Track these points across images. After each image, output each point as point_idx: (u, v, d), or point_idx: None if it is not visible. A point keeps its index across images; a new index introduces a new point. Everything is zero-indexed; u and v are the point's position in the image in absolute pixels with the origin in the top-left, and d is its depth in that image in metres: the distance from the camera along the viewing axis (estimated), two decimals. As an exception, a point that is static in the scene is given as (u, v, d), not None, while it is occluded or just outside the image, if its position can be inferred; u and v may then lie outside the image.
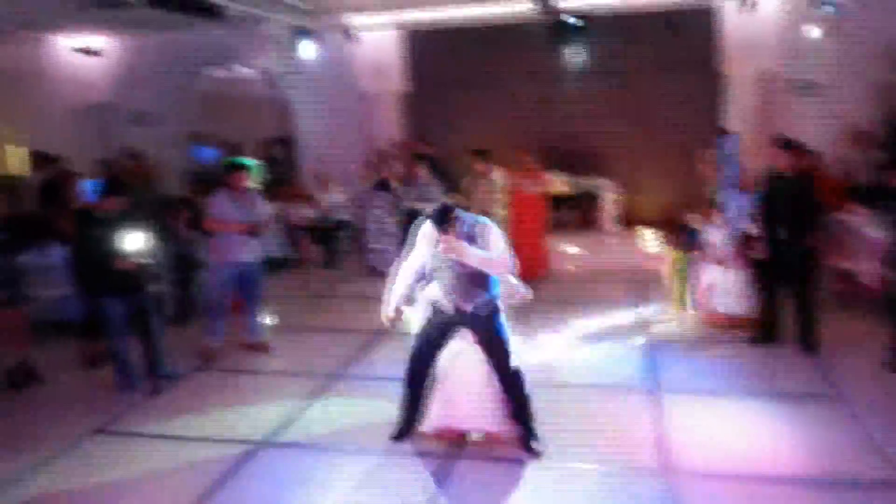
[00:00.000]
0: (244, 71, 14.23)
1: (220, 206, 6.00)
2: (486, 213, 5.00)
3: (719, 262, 6.34)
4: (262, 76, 12.29)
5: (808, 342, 5.76)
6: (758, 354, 5.84)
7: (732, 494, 3.83)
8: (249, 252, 6.10)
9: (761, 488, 3.86)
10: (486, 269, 4.11)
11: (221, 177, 6.32)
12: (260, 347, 6.35)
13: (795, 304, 5.84)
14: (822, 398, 4.98)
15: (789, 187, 5.72)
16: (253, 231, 6.02)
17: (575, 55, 9.77)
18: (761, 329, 6.04)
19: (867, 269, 6.61)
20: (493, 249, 4.07)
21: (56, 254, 6.52)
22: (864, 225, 6.62)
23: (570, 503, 3.81)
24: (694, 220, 6.96)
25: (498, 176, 8.54)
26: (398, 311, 4.44)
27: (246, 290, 6.22)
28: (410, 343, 4.44)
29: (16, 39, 11.18)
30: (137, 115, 11.90)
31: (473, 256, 3.99)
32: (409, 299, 4.50)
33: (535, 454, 4.23)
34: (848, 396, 4.96)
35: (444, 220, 3.96)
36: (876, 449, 4.22)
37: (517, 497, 3.89)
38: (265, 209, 6.31)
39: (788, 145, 5.80)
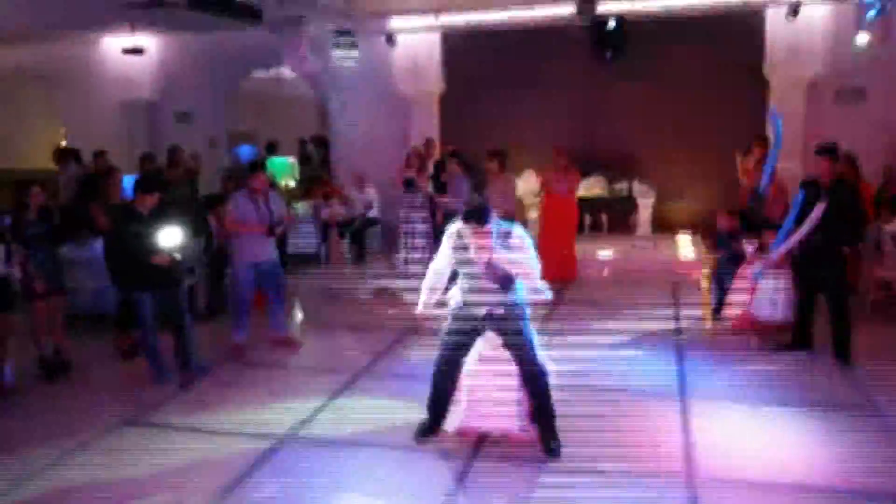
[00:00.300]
0: (284, 72, 14.49)
1: (239, 206, 6.11)
2: (504, 215, 4.99)
3: (770, 267, 6.17)
4: (302, 77, 12.44)
5: (841, 351, 5.62)
6: (790, 362, 5.72)
7: (756, 501, 3.75)
8: (268, 251, 6.21)
9: (789, 498, 3.78)
10: (513, 272, 4.11)
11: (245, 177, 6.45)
12: (287, 342, 6.43)
13: (830, 312, 5.71)
14: (856, 408, 4.86)
15: (825, 194, 5.59)
16: (271, 232, 6.14)
17: (614, 58, 9.71)
18: (795, 335, 5.94)
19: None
20: (522, 254, 4.07)
21: (94, 247, 6.70)
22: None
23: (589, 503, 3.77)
24: (723, 221, 6.84)
25: (515, 177, 8.50)
26: (430, 309, 4.47)
27: (269, 287, 6.31)
28: (437, 343, 4.47)
29: (66, 39, 11.56)
30: (181, 114, 12.18)
31: (503, 259, 4.00)
32: (439, 299, 4.52)
33: (554, 454, 4.21)
34: (882, 407, 4.83)
35: (480, 218, 3.93)
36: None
37: (536, 499, 3.87)
38: (283, 209, 6.43)
39: (824, 151, 5.66)
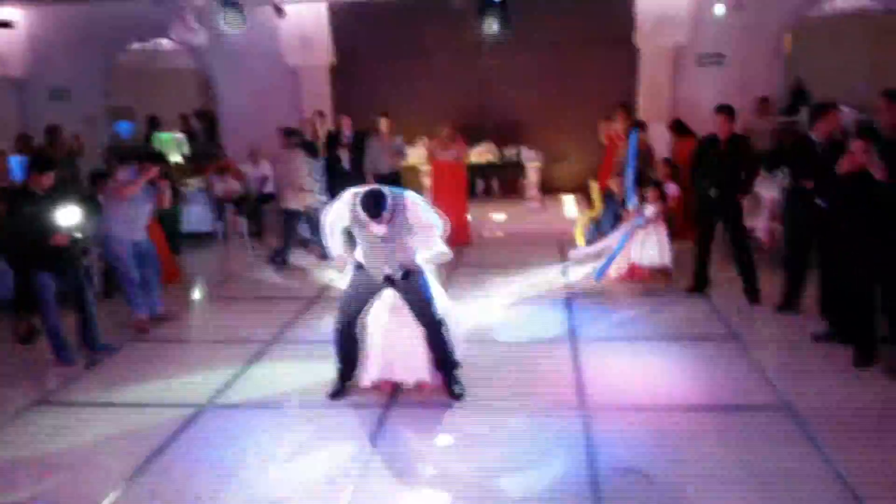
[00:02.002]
0: (164, 44, 13.97)
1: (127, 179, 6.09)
2: (378, 175, 5.21)
3: (651, 221, 6.78)
4: (184, 49, 12.08)
5: (752, 292, 6.26)
6: (664, 303, 6.38)
7: (639, 423, 4.29)
8: (143, 230, 6.25)
9: (669, 417, 4.33)
10: (414, 246, 4.41)
11: (140, 153, 6.43)
12: (165, 319, 6.46)
13: (736, 258, 6.34)
14: (720, 338, 5.55)
15: (723, 149, 6.15)
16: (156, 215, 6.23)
17: (497, 28, 10.11)
18: (695, 280, 6.57)
19: (763, 226, 7.27)
20: (427, 227, 4.37)
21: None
22: (761, 186, 7.22)
23: (497, 437, 4.18)
24: (613, 184, 7.42)
25: (401, 140, 8.92)
26: (343, 254, 4.70)
27: (147, 265, 6.32)
28: (338, 305, 4.71)
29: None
30: (55, 90, 11.58)
31: (415, 246, 4.38)
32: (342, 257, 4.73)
33: (458, 398, 4.59)
34: (743, 336, 5.55)
35: (376, 209, 4.15)
36: (764, 379, 4.79)
37: (448, 437, 4.24)
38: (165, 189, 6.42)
39: (722, 110, 6.20)
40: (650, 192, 6.81)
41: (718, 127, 6.23)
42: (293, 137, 8.38)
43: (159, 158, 6.45)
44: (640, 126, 7.87)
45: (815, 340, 5.32)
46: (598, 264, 6.98)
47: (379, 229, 4.27)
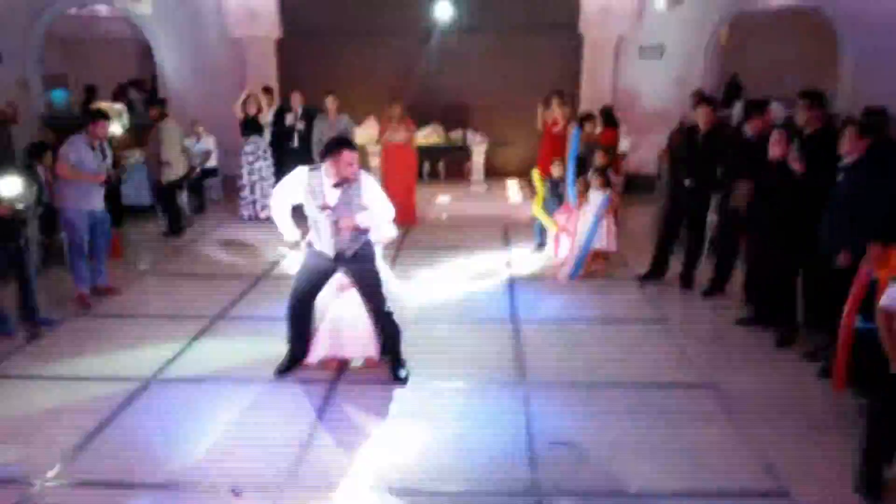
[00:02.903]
0: (101, 10, 13.52)
1: (78, 153, 6.00)
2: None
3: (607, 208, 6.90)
4: (123, 17, 11.74)
5: (687, 278, 6.50)
6: (601, 287, 6.66)
7: (573, 397, 4.55)
8: (101, 199, 6.23)
9: (603, 393, 4.60)
10: (365, 221, 4.49)
11: (80, 123, 6.31)
12: (109, 291, 6.45)
13: (687, 246, 6.52)
14: (650, 322, 5.86)
15: (699, 140, 6.20)
16: (108, 180, 6.18)
17: (447, 10, 10.22)
18: (654, 267, 6.72)
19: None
20: (372, 200, 4.46)
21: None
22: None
23: (440, 412, 4.37)
24: (555, 170, 7.63)
25: (349, 119, 8.93)
26: (296, 235, 4.74)
27: (99, 235, 6.29)
28: (291, 283, 4.79)
29: None
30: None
31: (363, 222, 4.43)
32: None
33: (402, 382, 4.71)
34: (670, 320, 5.87)
35: (344, 143, 4.38)
36: (685, 358, 5.13)
37: (393, 411, 4.40)
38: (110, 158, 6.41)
39: (704, 101, 6.26)
40: (596, 179, 6.98)
41: (703, 118, 6.19)
42: (157, 109, 8.64)
43: (103, 115, 6.30)
44: (586, 119, 8.09)
45: (739, 324, 5.67)
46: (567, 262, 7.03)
47: (332, 197, 4.35)
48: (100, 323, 5.86)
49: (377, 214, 4.53)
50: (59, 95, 13.87)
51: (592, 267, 6.99)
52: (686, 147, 6.46)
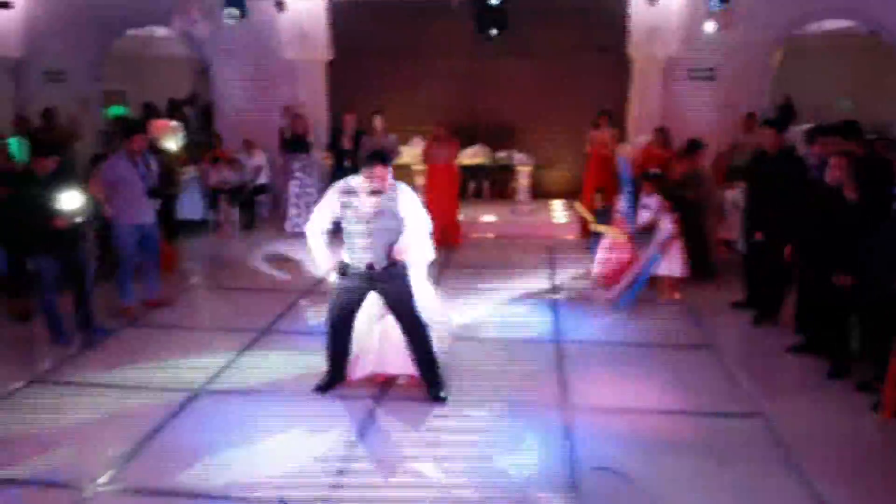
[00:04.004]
0: (158, 30, 13.97)
1: (116, 171, 6.13)
2: None
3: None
4: (181, 37, 12.11)
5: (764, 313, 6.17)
6: (650, 313, 6.56)
7: (616, 423, 4.47)
8: (151, 213, 6.33)
9: (644, 420, 4.52)
10: (404, 229, 4.53)
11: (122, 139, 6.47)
12: (161, 303, 6.58)
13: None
14: (697, 347, 5.76)
15: (771, 164, 6.00)
16: (151, 193, 6.23)
17: (495, 32, 10.27)
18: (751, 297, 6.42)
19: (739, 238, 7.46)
20: (408, 211, 4.53)
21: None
22: (739, 199, 7.42)
23: (480, 433, 4.34)
24: (597, 201, 7.57)
25: (395, 138, 9.08)
26: (334, 263, 4.72)
27: (148, 249, 6.41)
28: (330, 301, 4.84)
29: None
30: (51, 72, 11.57)
31: (408, 248, 4.50)
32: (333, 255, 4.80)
33: (440, 401, 4.70)
34: (718, 345, 5.75)
35: (384, 158, 4.43)
36: (733, 386, 5.02)
37: (433, 432, 4.39)
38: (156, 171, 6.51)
39: (770, 124, 6.15)
40: (664, 203, 6.77)
41: (768, 141, 6.09)
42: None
43: (138, 129, 6.43)
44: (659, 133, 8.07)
45: (790, 352, 5.53)
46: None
47: (368, 205, 4.41)
48: (152, 334, 6.01)
49: (413, 227, 4.55)
50: (117, 112, 14.37)
51: (676, 295, 6.80)
52: (754, 171, 6.32)
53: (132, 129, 6.39)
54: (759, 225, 6.07)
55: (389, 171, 4.44)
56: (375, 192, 4.43)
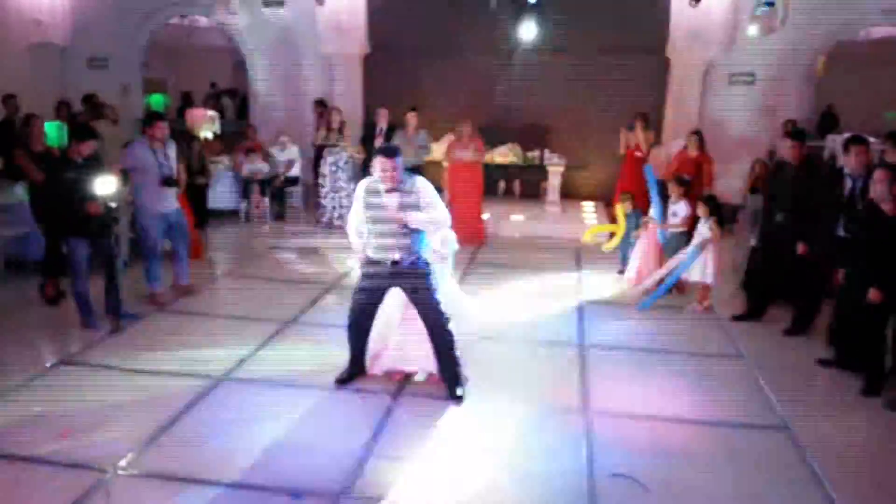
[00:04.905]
0: (198, 20, 14.18)
1: (135, 157, 6.14)
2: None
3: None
4: (220, 29, 12.28)
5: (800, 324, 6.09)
6: (677, 319, 6.46)
7: (638, 430, 4.41)
8: (172, 201, 6.34)
9: (666, 428, 4.45)
10: (427, 229, 4.53)
11: (174, 126, 6.55)
12: (189, 290, 6.65)
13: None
14: (725, 356, 5.65)
15: (795, 174, 5.93)
16: (167, 182, 6.16)
17: (530, 31, 10.21)
18: (749, 306, 6.43)
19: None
20: (432, 207, 4.51)
21: (16, 192, 6.65)
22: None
23: (497, 435, 4.30)
24: (626, 206, 7.47)
25: (426, 135, 9.12)
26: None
27: (175, 236, 6.47)
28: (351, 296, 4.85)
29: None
30: (94, 59, 11.81)
31: (417, 220, 4.44)
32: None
33: (458, 401, 4.66)
34: (747, 356, 5.64)
35: (389, 152, 4.41)
36: (760, 397, 4.91)
37: (450, 431, 4.37)
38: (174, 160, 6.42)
39: (795, 135, 6.05)
40: (702, 208, 6.56)
41: (792, 153, 6.01)
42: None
43: (160, 117, 6.43)
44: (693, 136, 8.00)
45: (820, 364, 5.40)
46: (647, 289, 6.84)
47: (388, 202, 4.42)
48: (178, 320, 6.09)
49: (436, 219, 4.54)
50: (157, 100, 14.63)
51: (706, 303, 6.65)
52: (777, 182, 6.22)
53: (154, 117, 6.38)
54: (772, 236, 6.07)
55: (395, 164, 4.40)
56: (393, 189, 4.43)
